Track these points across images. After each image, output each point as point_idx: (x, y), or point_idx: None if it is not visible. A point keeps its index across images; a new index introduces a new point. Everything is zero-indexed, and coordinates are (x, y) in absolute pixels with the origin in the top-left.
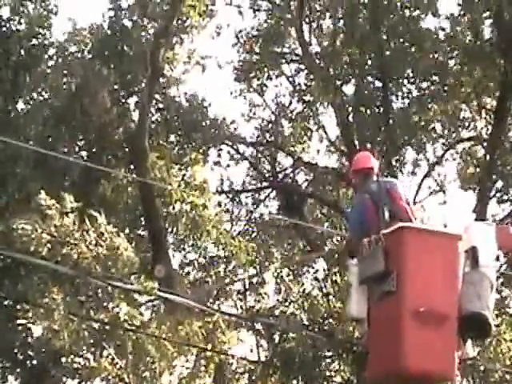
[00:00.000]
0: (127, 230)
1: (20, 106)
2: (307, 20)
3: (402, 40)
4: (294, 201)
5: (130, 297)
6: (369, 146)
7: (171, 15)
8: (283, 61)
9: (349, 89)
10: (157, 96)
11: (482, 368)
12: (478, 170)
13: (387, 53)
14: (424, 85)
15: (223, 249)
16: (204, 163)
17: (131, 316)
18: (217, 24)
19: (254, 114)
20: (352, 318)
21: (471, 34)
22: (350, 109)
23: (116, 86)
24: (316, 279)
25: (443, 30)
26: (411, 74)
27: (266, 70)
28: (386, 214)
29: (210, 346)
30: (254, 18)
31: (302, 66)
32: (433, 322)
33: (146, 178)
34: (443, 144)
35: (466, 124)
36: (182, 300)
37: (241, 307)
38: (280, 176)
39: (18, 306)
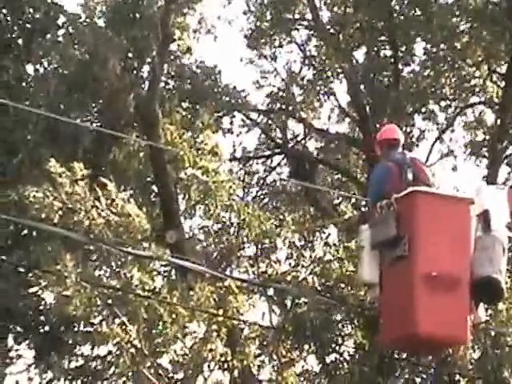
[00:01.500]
0: (139, 197)
1: (30, 72)
2: None
3: (411, 4)
4: (305, 167)
5: (142, 263)
6: (379, 112)
7: None
8: (294, 28)
9: (359, 55)
10: (168, 63)
11: (493, 332)
12: (487, 136)
13: (397, 19)
14: (434, 50)
15: (236, 216)
16: (216, 130)
17: (143, 282)
18: None
19: (266, 79)
20: (364, 282)
21: None
22: (361, 75)
23: (128, 55)
24: (327, 244)
25: None
26: (420, 39)
27: (276, 37)
28: (410, 175)
29: (221, 312)
30: None
31: (313, 33)
32: (445, 287)
33: (157, 143)
34: (454, 108)
35: (477, 89)
36: (193, 266)
37: (253, 273)
38: (291, 143)
39: (30, 273)
